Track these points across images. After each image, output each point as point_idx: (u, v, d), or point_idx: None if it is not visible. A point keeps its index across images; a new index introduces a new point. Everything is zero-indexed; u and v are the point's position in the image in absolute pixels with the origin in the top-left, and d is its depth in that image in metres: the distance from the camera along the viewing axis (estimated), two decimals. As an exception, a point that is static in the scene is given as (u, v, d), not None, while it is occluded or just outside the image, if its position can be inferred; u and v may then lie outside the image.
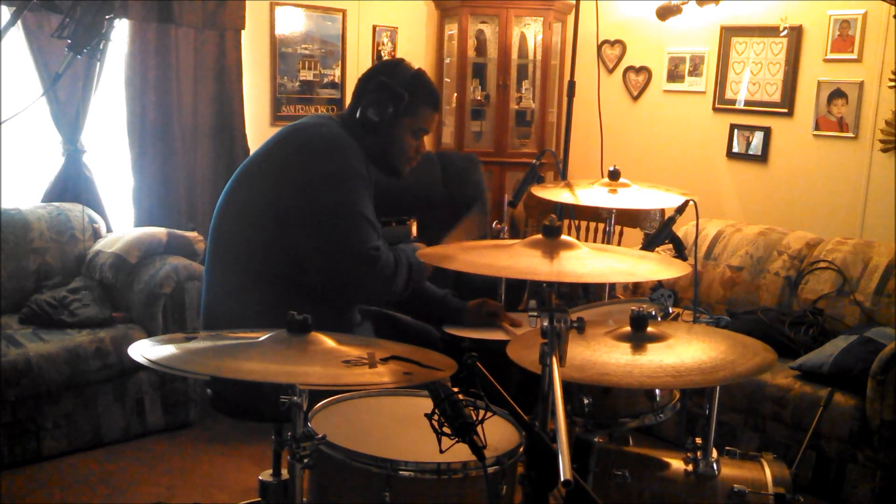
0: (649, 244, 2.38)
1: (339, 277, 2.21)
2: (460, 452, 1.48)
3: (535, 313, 1.52)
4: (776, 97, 4.46)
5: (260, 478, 1.87)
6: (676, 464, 1.89)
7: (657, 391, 1.93)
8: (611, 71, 5.19)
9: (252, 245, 2.23)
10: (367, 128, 2.33)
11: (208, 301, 2.35)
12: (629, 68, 5.12)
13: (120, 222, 4.08)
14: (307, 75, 4.69)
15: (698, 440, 1.88)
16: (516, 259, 1.68)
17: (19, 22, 3.40)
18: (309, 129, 2.33)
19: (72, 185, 3.85)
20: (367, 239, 2.20)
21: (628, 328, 1.87)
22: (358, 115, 2.33)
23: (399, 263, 2.26)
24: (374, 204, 2.31)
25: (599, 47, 5.10)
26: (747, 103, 4.59)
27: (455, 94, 5.26)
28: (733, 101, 4.66)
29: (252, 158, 2.38)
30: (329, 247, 2.18)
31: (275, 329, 1.68)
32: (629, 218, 4.21)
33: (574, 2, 3.65)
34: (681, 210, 2.44)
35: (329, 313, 1.97)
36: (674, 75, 4.91)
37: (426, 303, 2.61)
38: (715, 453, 1.87)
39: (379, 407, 1.90)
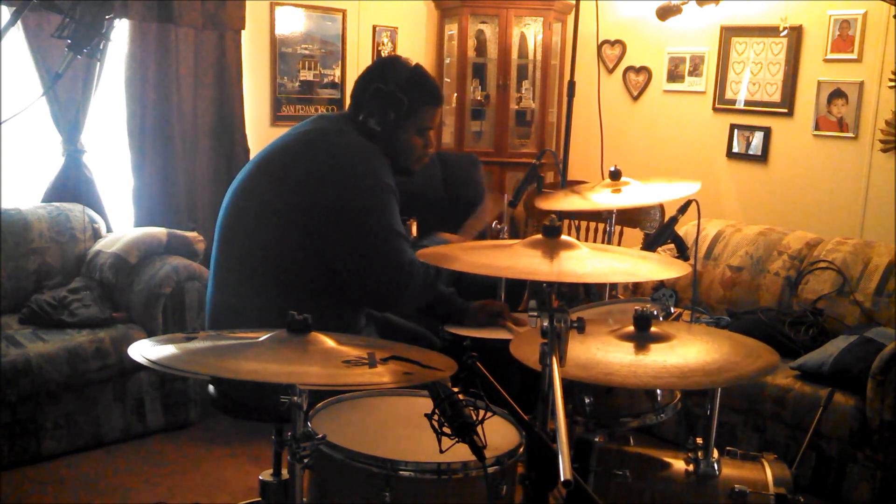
0: (651, 244, 2.39)
1: (375, 289, 2.20)
2: (460, 452, 1.48)
3: (535, 313, 1.52)
4: (776, 97, 4.46)
5: (260, 478, 1.87)
6: (677, 464, 1.89)
7: (658, 391, 1.93)
8: (611, 71, 5.19)
9: (267, 247, 2.21)
10: (372, 136, 2.30)
11: (215, 301, 2.33)
12: (629, 68, 5.12)
13: (120, 222, 4.08)
14: (307, 75, 4.69)
15: (699, 440, 1.88)
16: (516, 259, 1.68)
17: (19, 22, 3.39)
18: (332, 136, 2.27)
19: (72, 185, 3.85)
20: (402, 253, 2.19)
21: (631, 328, 1.87)
22: (360, 121, 2.30)
23: (428, 271, 2.24)
24: None
25: (599, 47, 5.10)
26: (747, 103, 4.59)
27: (455, 94, 5.26)
28: (733, 101, 4.66)
29: (264, 159, 2.32)
30: (366, 260, 2.17)
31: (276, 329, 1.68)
32: (629, 218, 4.21)
33: (574, 2, 3.65)
34: (683, 210, 2.44)
35: (336, 317, 1.97)
36: (674, 75, 4.91)
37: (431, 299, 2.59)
38: (716, 453, 1.87)
39: (379, 407, 1.90)
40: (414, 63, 2.37)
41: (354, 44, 4.88)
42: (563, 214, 3.62)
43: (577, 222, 4.26)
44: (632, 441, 2.01)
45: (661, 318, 2.07)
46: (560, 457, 1.26)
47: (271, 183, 2.26)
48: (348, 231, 2.16)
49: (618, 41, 5.13)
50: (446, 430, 1.45)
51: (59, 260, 3.66)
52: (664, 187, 2.77)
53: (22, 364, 3.09)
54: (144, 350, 1.58)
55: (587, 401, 1.89)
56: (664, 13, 4.60)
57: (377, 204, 2.19)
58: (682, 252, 2.47)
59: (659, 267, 1.75)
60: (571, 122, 3.63)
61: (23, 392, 3.10)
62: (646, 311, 1.86)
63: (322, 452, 1.62)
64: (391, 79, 2.29)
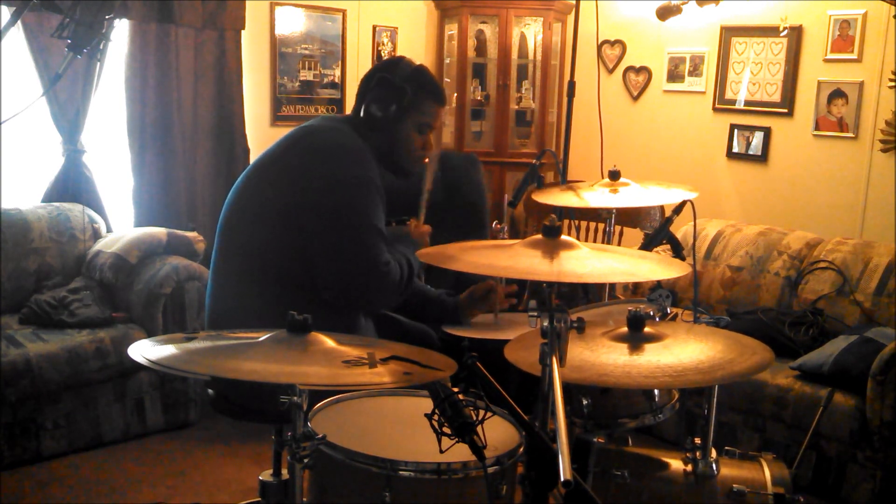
0: (647, 245, 2.39)
1: (347, 286, 2.20)
2: (460, 452, 1.48)
3: (535, 313, 1.52)
4: (776, 97, 4.46)
5: (260, 478, 1.87)
6: (676, 464, 1.89)
7: (655, 391, 1.93)
8: (611, 71, 5.19)
9: (265, 247, 2.21)
10: (372, 126, 2.32)
11: (214, 301, 2.33)
12: (629, 68, 5.12)
13: (120, 222, 4.08)
14: (307, 75, 4.69)
15: (697, 440, 1.88)
16: (516, 259, 1.68)
17: (19, 22, 3.39)
18: (324, 132, 2.30)
19: (72, 185, 3.84)
20: (378, 252, 2.19)
21: (625, 329, 1.87)
22: (362, 113, 2.32)
23: (402, 274, 2.25)
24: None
25: (599, 47, 5.10)
26: (747, 103, 4.59)
27: (455, 94, 5.25)
28: (733, 101, 4.66)
29: (263, 160, 2.35)
30: (341, 255, 2.17)
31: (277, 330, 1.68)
32: (629, 218, 4.21)
33: (574, 2, 3.65)
34: (678, 210, 2.44)
35: (336, 317, 1.97)
36: (674, 75, 4.91)
37: (422, 303, 2.60)
38: (714, 453, 1.87)
39: (379, 407, 1.90)
40: (419, 63, 2.40)
41: (354, 44, 4.88)
42: (562, 214, 3.62)
43: (576, 222, 4.26)
44: (630, 441, 2.02)
45: (657, 319, 2.07)
46: (560, 457, 1.26)
47: (267, 182, 2.28)
48: (327, 224, 2.17)
49: (618, 41, 5.13)
50: (446, 430, 1.45)
51: (59, 260, 3.66)
52: (662, 191, 2.77)
53: (22, 364, 3.09)
54: (144, 350, 1.58)
55: (584, 402, 1.89)
56: (664, 13, 4.60)
57: (358, 198, 2.19)
58: (678, 252, 2.47)
59: (659, 267, 1.75)
60: (571, 122, 3.63)
61: (23, 392, 3.10)
62: (639, 312, 1.86)
63: (322, 452, 1.62)
64: (396, 71, 2.32)
